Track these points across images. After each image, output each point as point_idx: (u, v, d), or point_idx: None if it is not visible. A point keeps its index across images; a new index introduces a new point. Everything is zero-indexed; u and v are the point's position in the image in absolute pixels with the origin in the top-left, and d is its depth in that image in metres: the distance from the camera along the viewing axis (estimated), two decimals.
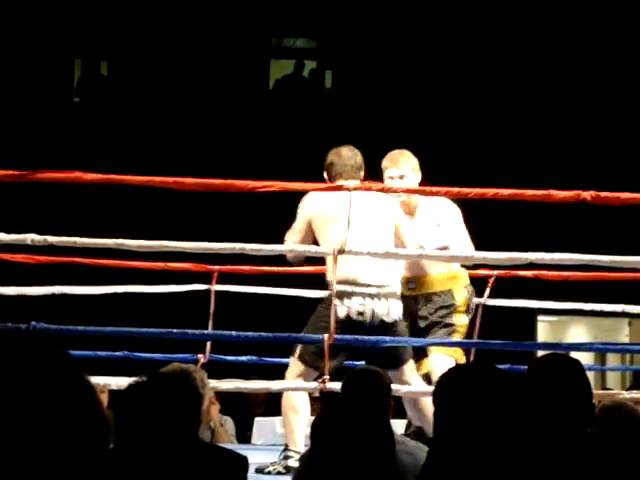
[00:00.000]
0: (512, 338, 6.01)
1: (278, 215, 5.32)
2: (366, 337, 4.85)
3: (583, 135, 11.17)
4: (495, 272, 6.10)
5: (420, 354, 5.17)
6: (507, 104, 11.31)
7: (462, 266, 5.39)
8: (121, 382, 4.27)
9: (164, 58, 11.47)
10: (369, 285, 4.81)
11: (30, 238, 5.12)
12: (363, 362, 4.98)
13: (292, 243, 4.98)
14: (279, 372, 5.43)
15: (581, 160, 10.74)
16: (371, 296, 4.80)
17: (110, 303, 6.15)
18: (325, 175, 5.17)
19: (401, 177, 5.20)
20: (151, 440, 2.89)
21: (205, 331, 4.97)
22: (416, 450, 3.50)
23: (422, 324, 5.23)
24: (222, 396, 6.82)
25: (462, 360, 5.13)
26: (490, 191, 4.89)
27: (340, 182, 4.98)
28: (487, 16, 11.42)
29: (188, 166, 8.67)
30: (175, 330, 4.93)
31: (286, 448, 4.94)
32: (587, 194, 4.78)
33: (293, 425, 4.92)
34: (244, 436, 6.86)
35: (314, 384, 4.84)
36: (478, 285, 6.37)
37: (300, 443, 4.84)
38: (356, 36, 11.69)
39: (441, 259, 5.22)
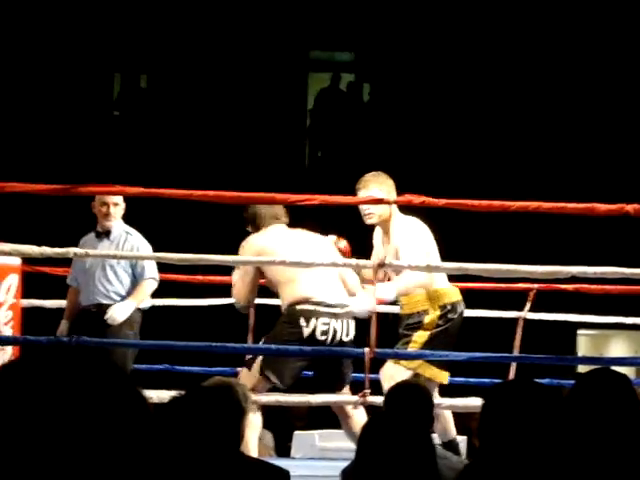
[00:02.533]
0: (552, 352, 5.97)
1: (319, 228, 5.32)
2: (408, 351, 4.84)
3: (623, 148, 11.09)
4: (536, 286, 6.06)
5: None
6: (545, 119, 11.26)
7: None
8: (162, 395, 4.28)
9: (203, 72, 11.52)
10: (333, 305, 4.86)
11: (72, 252, 5.16)
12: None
13: (244, 292, 5.09)
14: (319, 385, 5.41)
15: (623, 173, 10.67)
16: (334, 316, 4.84)
17: (150, 316, 6.17)
18: (248, 229, 5.18)
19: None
20: (193, 454, 2.89)
21: (245, 345, 4.97)
22: (459, 465, 3.48)
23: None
24: (264, 409, 6.82)
25: (425, 371, 5.08)
26: (532, 204, 4.86)
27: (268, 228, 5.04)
28: (524, 31, 11.39)
29: (227, 179, 8.69)
30: (215, 343, 4.94)
31: None
32: (630, 207, 4.74)
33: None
34: (285, 448, 6.85)
35: (354, 397, 4.83)
36: (519, 299, 6.34)
37: (253, 452, 4.81)
38: (394, 49, 11.69)
39: (482, 273, 5.19)
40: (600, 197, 5.12)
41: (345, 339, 4.87)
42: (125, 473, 0.91)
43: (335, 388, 4.96)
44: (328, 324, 4.83)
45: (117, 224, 5.69)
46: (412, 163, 11.02)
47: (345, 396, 4.98)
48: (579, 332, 10.46)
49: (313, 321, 4.83)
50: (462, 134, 11.30)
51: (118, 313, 5.58)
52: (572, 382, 2.63)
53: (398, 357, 5.06)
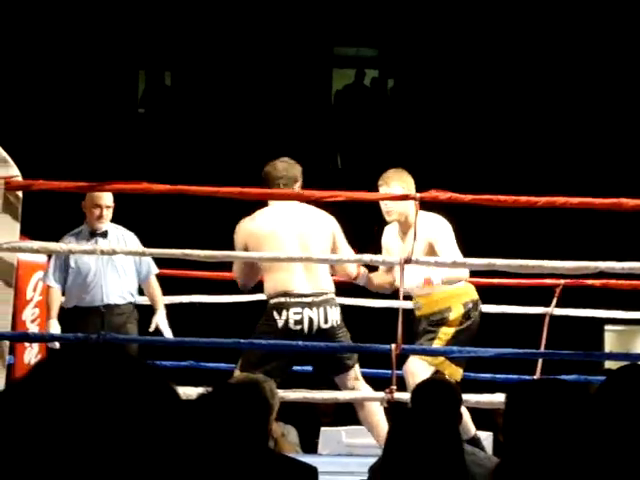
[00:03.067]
0: (579, 348, 5.94)
1: (345, 225, 5.31)
2: (435, 347, 4.85)
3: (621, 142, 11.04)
4: (562, 281, 6.04)
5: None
6: (572, 112, 11.22)
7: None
8: (188, 392, 4.29)
9: (227, 68, 11.54)
10: (303, 295, 4.88)
11: (99, 249, 5.18)
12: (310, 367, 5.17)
13: (239, 274, 5.09)
14: None
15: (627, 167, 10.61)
16: (307, 305, 4.86)
17: (176, 313, 6.18)
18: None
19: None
20: (221, 450, 2.90)
21: (272, 341, 4.97)
22: (487, 461, 3.48)
23: (416, 337, 5.26)
24: (290, 405, 6.83)
25: (446, 368, 5.12)
26: (559, 200, 4.84)
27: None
28: (550, 23, 11.34)
29: (253, 175, 8.70)
30: (242, 340, 4.95)
31: None
32: None
33: (384, 428, 4.96)
34: (312, 444, 6.86)
35: (381, 394, 4.83)
36: (545, 295, 6.31)
37: None
38: (418, 44, 11.67)
39: (509, 269, 5.18)
40: (627, 192, 5.09)
41: (324, 326, 4.88)
42: (159, 469, 0.91)
43: (334, 373, 4.98)
44: (301, 313, 4.85)
45: (108, 224, 5.73)
46: (436, 159, 11.00)
47: (372, 393, 4.98)
48: (606, 328, 10.41)
49: (284, 312, 4.88)
50: (486, 129, 11.27)
51: (166, 325, 5.68)
52: (600, 378, 2.62)
53: (425, 353, 5.05)
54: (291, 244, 4.95)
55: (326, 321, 4.90)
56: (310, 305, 4.87)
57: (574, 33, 11.29)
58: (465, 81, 11.43)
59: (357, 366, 5.08)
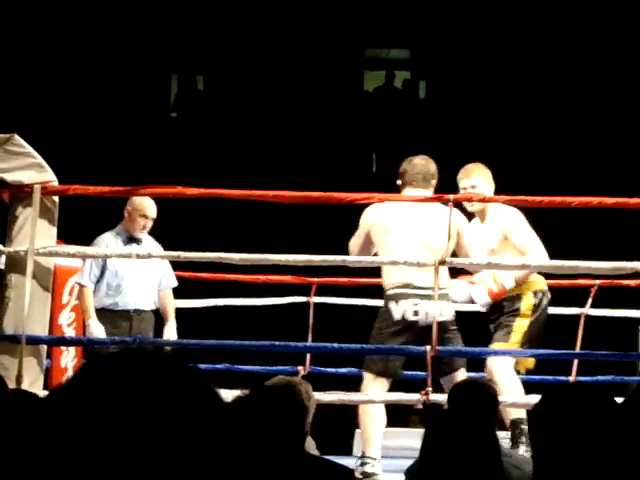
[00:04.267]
0: (613, 348, 5.91)
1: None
2: (469, 349, 4.85)
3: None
4: (597, 282, 6.01)
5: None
6: (601, 115, 11.16)
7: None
8: (223, 394, 4.30)
9: (259, 72, 11.56)
10: (422, 287, 4.91)
11: (135, 253, 5.21)
12: None
13: (353, 251, 5.13)
14: None
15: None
16: (425, 297, 4.89)
17: (212, 316, 6.21)
18: (398, 182, 5.22)
19: (472, 187, 5.27)
20: (258, 453, 2.91)
21: (307, 343, 4.98)
22: (523, 463, 3.46)
23: (491, 327, 5.28)
24: (325, 407, 6.84)
25: (522, 360, 5.17)
26: (594, 200, 4.82)
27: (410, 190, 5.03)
28: (582, 25, 11.30)
29: (286, 178, 8.72)
30: (277, 342, 4.96)
31: (363, 455, 5.00)
32: None
33: (369, 433, 5.02)
34: (347, 446, 6.86)
35: (416, 396, 4.82)
36: (581, 295, 6.29)
37: (376, 450, 4.91)
38: (449, 46, 11.65)
39: (544, 269, 5.17)
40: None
41: (439, 319, 4.85)
42: (201, 469, 0.92)
43: (444, 371, 4.96)
44: (417, 305, 4.89)
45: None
46: (469, 160, 10.97)
47: (407, 394, 4.97)
48: None
49: (402, 302, 4.91)
50: (519, 130, 11.24)
51: (175, 335, 5.75)
52: (636, 379, 2.61)
53: (460, 355, 5.04)
54: (413, 240, 4.97)
55: (441, 314, 4.91)
56: (427, 297, 4.87)
57: (606, 40, 11.24)
58: (497, 82, 11.39)
59: (464, 370, 5.07)
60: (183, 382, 0.93)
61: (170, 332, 5.75)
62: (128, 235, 5.72)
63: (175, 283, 5.89)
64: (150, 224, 5.72)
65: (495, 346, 5.15)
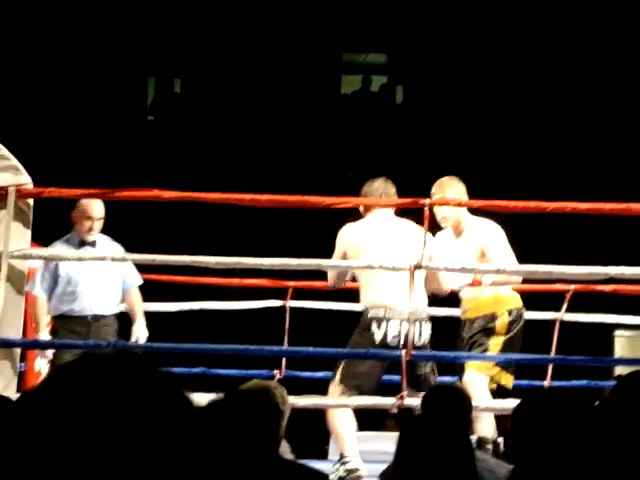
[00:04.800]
0: (588, 353, 5.93)
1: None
2: (444, 353, 4.88)
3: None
4: (572, 287, 6.03)
5: (461, 373, 5.25)
6: (581, 120, 11.21)
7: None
8: (198, 398, 4.30)
9: (237, 75, 11.56)
10: (403, 311, 4.90)
11: (110, 257, 5.20)
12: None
13: (332, 276, 5.17)
14: None
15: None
16: (405, 320, 4.89)
17: (187, 319, 6.20)
18: (361, 208, 5.21)
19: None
20: (232, 457, 2.90)
21: (282, 347, 4.98)
22: (498, 468, 3.47)
23: (462, 344, 5.31)
24: (299, 412, 6.83)
25: (497, 376, 5.22)
26: (569, 205, 4.85)
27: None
28: (563, 32, 11.35)
29: (262, 182, 8.71)
30: (252, 346, 4.95)
31: (341, 456, 5.02)
32: None
33: (343, 433, 5.05)
34: (322, 451, 6.86)
35: (391, 400, 4.83)
36: (555, 300, 6.31)
37: (353, 447, 4.94)
38: (427, 50, 11.67)
39: (519, 274, 5.18)
40: (636, 197, 5.09)
41: (417, 343, 4.89)
42: (172, 474, 0.92)
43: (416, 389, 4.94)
44: (399, 328, 4.89)
45: (96, 234, 5.64)
46: (445, 165, 10.99)
47: (382, 399, 4.98)
48: (616, 333, 10.38)
49: (384, 325, 4.90)
50: (496, 136, 11.27)
51: (145, 334, 5.63)
52: (610, 384, 2.62)
53: (436, 359, 5.05)
54: (390, 258, 4.94)
55: (420, 337, 4.93)
56: (408, 320, 4.88)
57: (590, 41, 11.29)
58: (474, 87, 11.43)
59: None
60: (153, 386, 0.92)
61: (139, 332, 5.61)
62: (79, 240, 5.57)
63: (139, 281, 5.72)
64: (98, 225, 5.55)
65: (471, 367, 5.14)
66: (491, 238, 5.24)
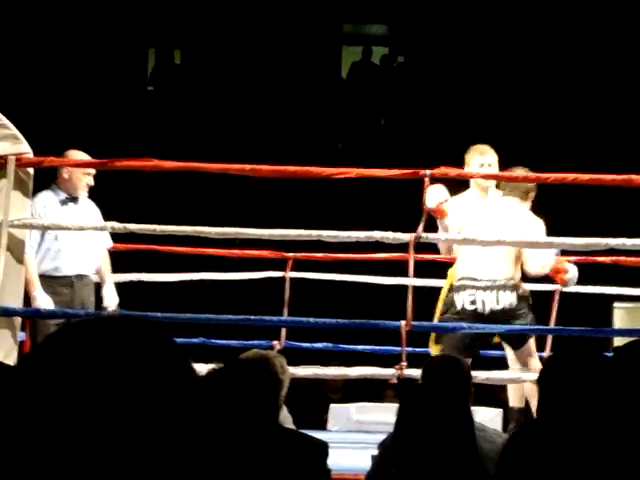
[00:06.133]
0: (587, 325, 5.95)
1: (354, 201, 5.32)
2: (445, 324, 4.91)
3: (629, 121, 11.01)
4: (573, 258, 6.03)
5: None
6: (584, 91, 11.18)
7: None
8: (198, 368, 4.30)
9: (237, 46, 11.51)
10: (481, 279, 5.23)
11: (110, 226, 5.19)
12: None
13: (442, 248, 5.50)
14: (355, 358, 5.43)
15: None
16: (481, 288, 5.22)
17: (188, 290, 6.20)
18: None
19: (490, 165, 5.43)
20: (232, 425, 2.91)
21: (282, 317, 4.99)
22: (496, 437, 3.48)
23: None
24: (300, 381, 6.86)
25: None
26: (569, 176, 4.84)
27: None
28: (560, 8, 11.31)
29: (263, 153, 8.70)
30: (252, 317, 4.96)
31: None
32: None
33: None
34: (321, 421, 6.89)
35: (391, 371, 4.84)
36: None
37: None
38: (428, 21, 11.63)
39: (520, 245, 5.19)
40: (636, 169, 5.08)
41: (496, 308, 5.20)
42: (173, 442, 0.92)
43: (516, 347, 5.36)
44: (474, 295, 5.23)
45: None
46: (447, 136, 10.97)
47: (382, 369, 4.99)
48: (615, 305, 10.41)
49: (462, 294, 5.24)
50: (499, 107, 11.24)
51: (115, 296, 5.52)
52: (608, 354, 2.62)
53: (435, 330, 5.06)
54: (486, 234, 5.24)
55: (498, 303, 5.20)
56: (484, 289, 5.21)
57: (587, 17, 11.25)
58: (475, 58, 11.39)
59: (532, 342, 5.34)
60: (160, 354, 0.92)
61: (108, 295, 5.48)
62: (66, 195, 5.40)
63: (111, 243, 5.59)
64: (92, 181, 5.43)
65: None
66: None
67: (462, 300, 5.25)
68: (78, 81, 11.14)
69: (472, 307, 5.23)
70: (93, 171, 5.41)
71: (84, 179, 5.37)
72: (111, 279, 5.58)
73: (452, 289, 5.33)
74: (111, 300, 5.50)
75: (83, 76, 11.17)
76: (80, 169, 5.35)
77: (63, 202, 5.40)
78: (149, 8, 11.51)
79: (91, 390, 0.88)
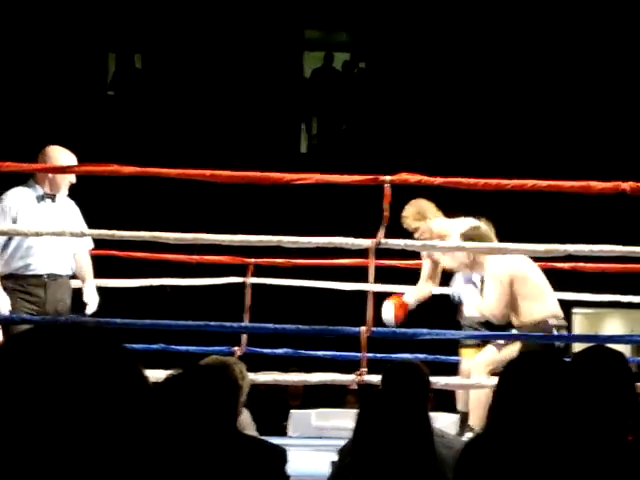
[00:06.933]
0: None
1: (314, 207, 5.32)
2: (404, 330, 4.90)
3: (620, 126, 11.09)
4: (537, 264, 6.06)
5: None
6: (545, 96, 11.25)
7: None
8: (158, 375, 4.28)
9: (198, 51, 11.49)
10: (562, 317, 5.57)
11: (69, 231, 5.15)
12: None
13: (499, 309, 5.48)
14: (316, 364, 5.43)
15: (620, 151, 10.67)
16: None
17: (146, 296, 6.17)
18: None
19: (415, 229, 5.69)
20: (190, 432, 2.90)
21: (242, 324, 4.97)
22: (455, 443, 3.49)
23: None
24: (261, 387, 6.85)
25: None
26: (528, 183, 4.87)
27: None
28: (518, 8, 11.37)
29: (223, 158, 8.67)
30: (212, 323, 4.94)
31: None
32: (626, 185, 4.74)
33: None
34: (281, 427, 6.87)
35: (351, 377, 4.84)
36: None
37: None
38: (390, 28, 11.65)
39: (478, 251, 5.21)
40: (597, 175, 5.12)
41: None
42: (125, 450, 0.91)
43: None
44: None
45: None
46: (408, 143, 11.01)
47: (342, 375, 4.99)
48: (574, 310, 10.47)
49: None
50: (459, 113, 11.29)
51: (96, 297, 5.38)
52: (567, 360, 2.64)
53: (394, 336, 5.07)
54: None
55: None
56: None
57: (547, 12, 11.32)
58: (436, 64, 11.43)
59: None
60: (107, 360, 0.91)
61: (89, 295, 5.30)
62: (43, 192, 5.20)
63: (92, 245, 5.45)
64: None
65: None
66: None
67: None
68: (38, 85, 11.07)
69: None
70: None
71: (67, 177, 5.19)
72: (92, 281, 5.39)
73: (550, 327, 5.41)
74: (92, 302, 5.30)
75: (43, 80, 11.10)
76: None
77: (40, 198, 5.20)
78: (109, 12, 11.45)
79: (37, 398, 0.87)
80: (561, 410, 2.12)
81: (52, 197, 5.25)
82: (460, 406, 5.58)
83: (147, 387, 0.94)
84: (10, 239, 5.16)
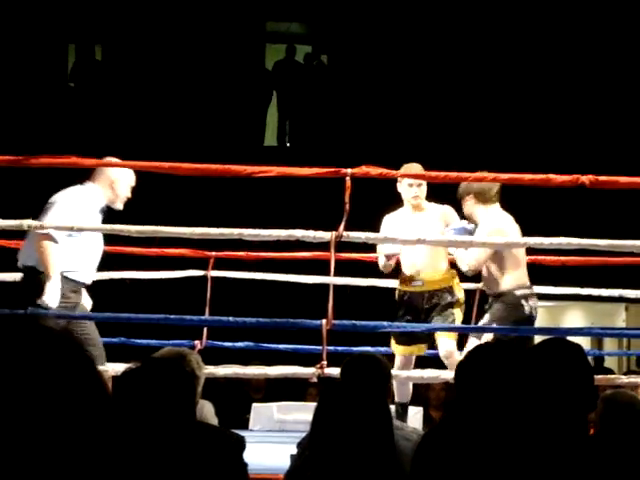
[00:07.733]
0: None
1: (275, 200, 5.31)
2: (365, 322, 4.91)
3: (581, 119, 11.15)
4: None
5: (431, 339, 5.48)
6: (506, 89, 11.28)
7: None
8: (118, 368, 4.26)
9: (158, 42, 11.43)
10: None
11: (27, 224, 5.10)
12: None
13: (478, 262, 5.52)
14: (277, 358, 5.42)
15: (579, 145, 10.73)
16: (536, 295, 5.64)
17: (106, 289, 6.13)
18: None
19: (419, 185, 5.53)
20: (149, 423, 2.88)
21: (202, 317, 4.95)
22: (413, 435, 3.49)
23: (424, 316, 5.49)
24: (222, 380, 6.83)
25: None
26: (489, 175, 4.88)
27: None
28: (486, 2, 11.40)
29: (184, 150, 8.64)
30: (172, 316, 4.92)
31: None
32: (586, 178, 4.77)
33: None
34: (243, 420, 6.85)
35: (312, 370, 4.84)
36: None
37: None
38: (349, 20, 11.65)
39: (442, 244, 5.22)
40: (556, 168, 5.14)
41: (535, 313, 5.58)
42: (82, 444, 0.90)
43: None
44: (536, 302, 5.59)
45: None
46: (372, 134, 11.01)
47: (302, 368, 4.99)
48: None
49: (531, 301, 5.52)
50: (425, 103, 11.30)
51: (88, 299, 5.46)
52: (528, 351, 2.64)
53: (354, 329, 5.06)
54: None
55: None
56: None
57: (537, 17, 11.35)
58: (398, 56, 11.44)
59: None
60: (59, 355, 0.90)
61: (85, 297, 5.41)
62: (105, 204, 5.28)
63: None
64: None
65: (449, 337, 5.41)
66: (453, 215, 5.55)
67: (530, 307, 5.53)
68: None
69: (535, 313, 5.57)
70: (133, 183, 5.30)
71: (128, 192, 5.30)
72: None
73: (520, 296, 5.45)
74: (86, 301, 5.42)
75: (2, 72, 11.01)
76: (127, 181, 5.26)
77: (101, 210, 5.27)
78: (69, 3, 11.37)
79: None
80: (517, 402, 2.12)
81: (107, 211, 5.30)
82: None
83: (97, 379, 0.93)
84: (66, 242, 5.14)
